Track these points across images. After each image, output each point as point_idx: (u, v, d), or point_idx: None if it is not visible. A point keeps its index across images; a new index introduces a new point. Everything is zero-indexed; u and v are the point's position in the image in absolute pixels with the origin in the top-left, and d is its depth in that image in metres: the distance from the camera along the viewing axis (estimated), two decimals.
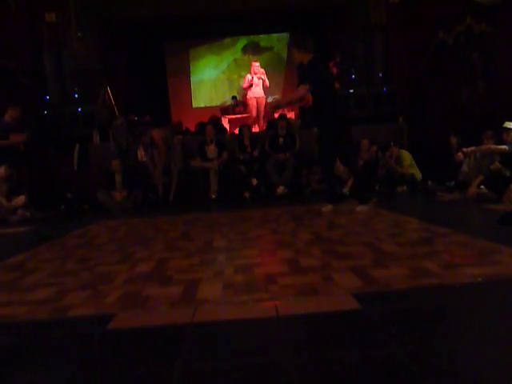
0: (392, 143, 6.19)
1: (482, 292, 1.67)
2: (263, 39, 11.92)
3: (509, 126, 4.85)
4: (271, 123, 8.09)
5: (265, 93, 9.22)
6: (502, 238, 2.45)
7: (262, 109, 9.17)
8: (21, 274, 2.41)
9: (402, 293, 1.69)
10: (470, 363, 1.12)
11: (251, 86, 9.02)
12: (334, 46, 9.41)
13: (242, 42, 11.92)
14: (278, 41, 11.95)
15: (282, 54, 11.94)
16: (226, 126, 9.36)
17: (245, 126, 7.37)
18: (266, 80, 9.17)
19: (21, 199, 5.47)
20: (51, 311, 1.73)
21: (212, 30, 11.18)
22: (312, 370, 1.12)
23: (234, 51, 11.96)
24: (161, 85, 11.24)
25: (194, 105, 11.84)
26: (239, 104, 10.04)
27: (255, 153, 6.79)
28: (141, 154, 6.66)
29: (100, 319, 1.58)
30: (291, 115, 9.56)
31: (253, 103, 9.09)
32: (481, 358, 1.14)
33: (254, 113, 9.12)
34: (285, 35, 11.83)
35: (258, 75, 9.09)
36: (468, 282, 1.76)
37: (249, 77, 9.12)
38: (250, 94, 9.10)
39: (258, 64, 9.33)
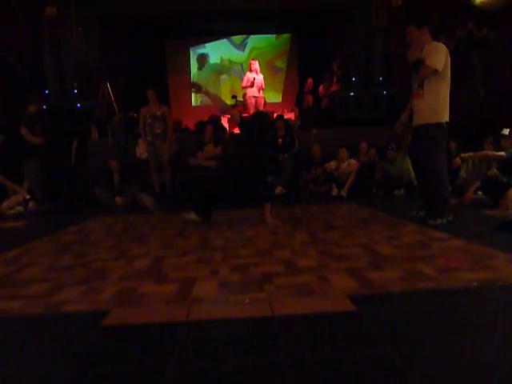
0: (390, 147, 6.19)
1: (477, 296, 1.67)
2: (264, 39, 11.91)
3: (506, 133, 4.89)
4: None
5: (259, 92, 9.21)
6: (498, 244, 2.46)
7: (261, 108, 9.15)
8: (16, 268, 2.40)
9: (397, 295, 1.69)
10: (463, 366, 1.13)
11: (252, 85, 9.00)
12: (336, 47, 9.42)
13: (243, 41, 11.91)
14: (279, 41, 11.95)
15: (283, 55, 11.94)
16: (226, 125, 9.35)
17: None
18: (262, 80, 9.19)
19: (18, 197, 5.46)
20: (45, 306, 1.72)
21: (213, 29, 11.17)
22: (306, 370, 1.12)
23: (234, 50, 11.95)
24: (161, 83, 11.22)
25: (194, 103, 11.83)
26: (239, 103, 10.02)
27: None
28: (139, 151, 6.64)
29: (94, 315, 1.58)
30: (291, 116, 9.55)
31: (251, 102, 9.08)
32: (475, 361, 1.15)
33: (252, 111, 9.09)
34: (286, 36, 11.84)
35: (257, 75, 9.08)
36: (463, 286, 1.76)
37: (249, 75, 9.10)
38: (249, 93, 9.09)
39: (256, 62, 9.32)
